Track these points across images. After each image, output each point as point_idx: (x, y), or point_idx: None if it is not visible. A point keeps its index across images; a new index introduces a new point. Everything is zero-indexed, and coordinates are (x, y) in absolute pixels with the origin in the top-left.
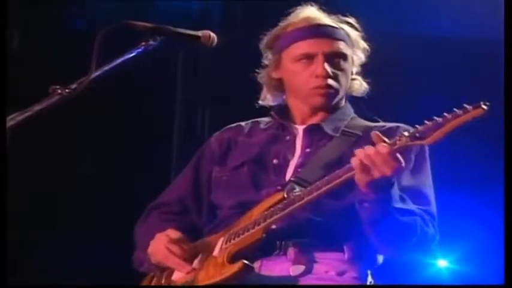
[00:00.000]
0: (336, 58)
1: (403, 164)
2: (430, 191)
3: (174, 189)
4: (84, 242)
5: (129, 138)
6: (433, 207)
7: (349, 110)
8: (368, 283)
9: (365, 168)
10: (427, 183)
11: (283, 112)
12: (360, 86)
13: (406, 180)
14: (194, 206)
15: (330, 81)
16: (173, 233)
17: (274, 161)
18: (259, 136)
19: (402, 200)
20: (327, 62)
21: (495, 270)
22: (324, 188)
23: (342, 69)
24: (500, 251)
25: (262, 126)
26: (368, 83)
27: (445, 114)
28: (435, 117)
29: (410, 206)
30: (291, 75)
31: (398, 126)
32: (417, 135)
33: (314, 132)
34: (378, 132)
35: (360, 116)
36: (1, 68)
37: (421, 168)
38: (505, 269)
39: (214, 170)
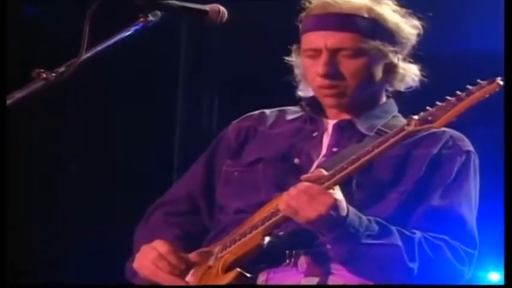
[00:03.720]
0: (345, 53)
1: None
2: (467, 211)
3: (183, 184)
4: (84, 242)
5: (123, 130)
6: (468, 230)
7: (391, 108)
8: None
9: (292, 212)
10: (464, 202)
11: (315, 103)
12: (401, 80)
13: (437, 199)
14: (205, 205)
15: (333, 81)
16: (161, 246)
17: (296, 160)
18: (283, 128)
19: (382, 231)
20: (332, 58)
21: None
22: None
23: (353, 66)
24: None
25: (288, 117)
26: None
27: (458, 92)
28: (447, 97)
29: (391, 238)
30: (304, 68)
31: (444, 131)
32: (429, 118)
33: (345, 129)
34: (306, 176)
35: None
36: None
37: (460, 184)
38: (505, 269)
39: (225, 163)
